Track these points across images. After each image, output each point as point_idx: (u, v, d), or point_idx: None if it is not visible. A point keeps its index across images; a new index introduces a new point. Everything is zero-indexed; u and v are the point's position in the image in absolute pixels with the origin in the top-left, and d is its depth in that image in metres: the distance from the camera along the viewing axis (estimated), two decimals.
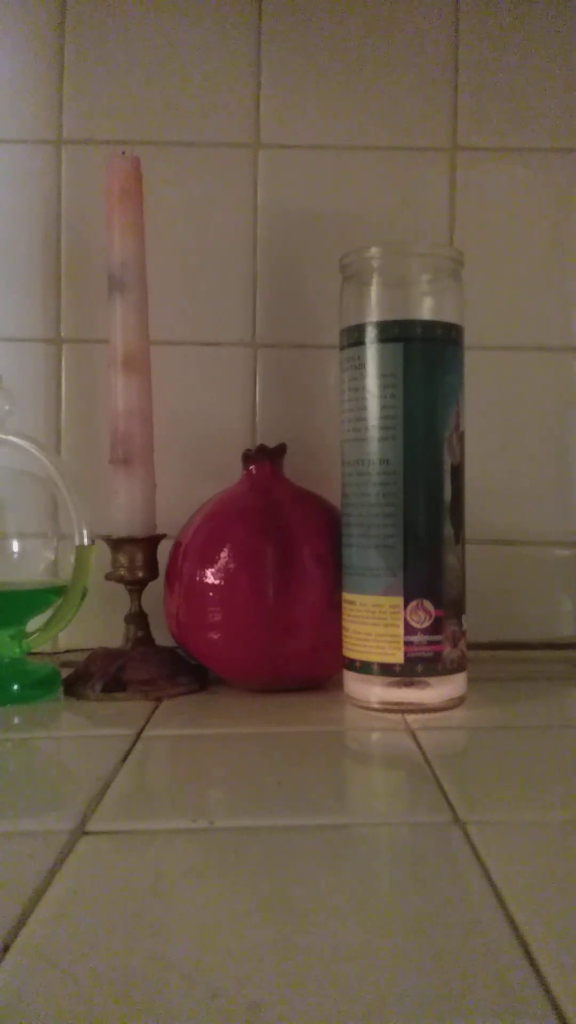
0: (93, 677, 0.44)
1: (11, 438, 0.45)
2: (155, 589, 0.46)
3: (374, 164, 0.53)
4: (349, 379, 0.41)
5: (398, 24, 0.52)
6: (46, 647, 0.48)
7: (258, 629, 0.42)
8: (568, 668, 0.50)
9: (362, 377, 0.40)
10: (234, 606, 0.43)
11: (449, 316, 0.41)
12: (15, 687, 0.42)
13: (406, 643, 0.39)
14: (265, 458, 0.46)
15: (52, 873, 0.24)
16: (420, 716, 0.39)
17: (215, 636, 0.43)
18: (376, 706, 0.40)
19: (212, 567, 0.43)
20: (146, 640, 0.47)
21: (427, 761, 0.33)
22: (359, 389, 0.40)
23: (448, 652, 0.40)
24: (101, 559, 0.46)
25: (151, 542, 0.46)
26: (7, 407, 0.45)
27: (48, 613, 0.45)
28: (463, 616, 0.41)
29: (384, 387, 0.40)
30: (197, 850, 0.26)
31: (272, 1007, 0.18)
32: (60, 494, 0.45)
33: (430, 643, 0.39)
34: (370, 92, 0.53)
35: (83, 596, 0.45)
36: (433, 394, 0.40)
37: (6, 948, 0.20)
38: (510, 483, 0.53)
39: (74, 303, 0.52)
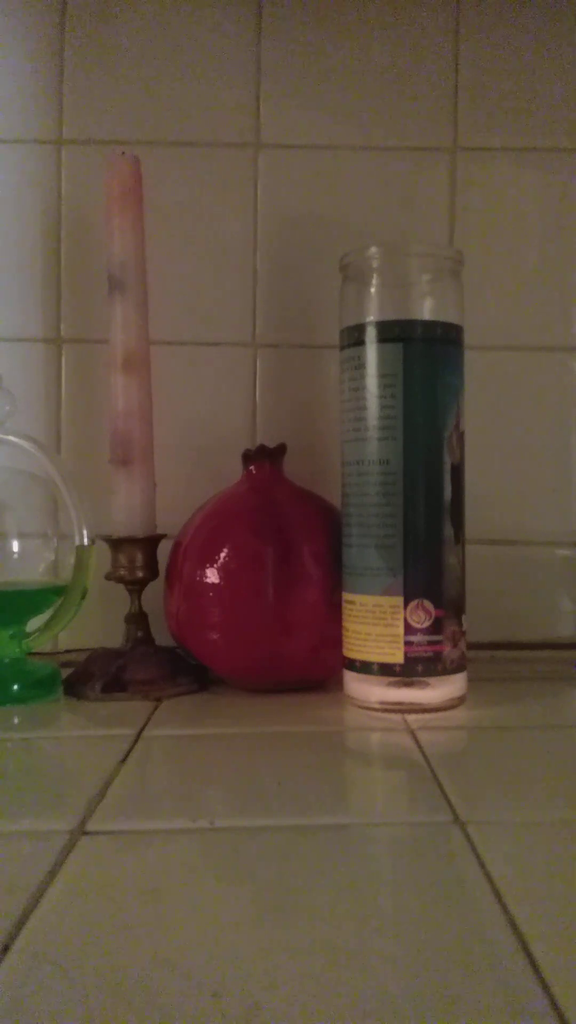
0: (93, 677, 0.44)
1: (11, 438, 0.45)
2: (155, 589, 0.46)
3: (374, 164, 0.53)
4: (349, 379, 0.41)
5: (398, 24, 0.52)
6: (46, 647, 0.48)
7: (258, 629, 0.42)
8: (568, 668, 0.50)
9: (362, 377, 0.40)
10: (234, 606, 0.43)
11: (449, 316, 0.41)
12: (15, 687, 0.42)
13: (406, 643, 0.39)
14: (265, 458, 0.46)
15: (52, 873, 0.24)
16: (420, 716, 0.39)
17: (215, 636, 0.43)
18: (376, 706, 0.40)
19: (212, 567, 0.43)
20: (146, 640, 0.47)
21: (427, 761, 0.33)
22: (359, 389, 0.40)
23: (448, 652, 0.40)
24: (101, 559, 0.46)
25: (151, 542, 0.46)
26: (7, 407, 0.45)
27: (48, 613, 0.45)
28: (463, 616, 0.41)
29: (384, 387, 0.40)
30: (197, 850, 0.26)
31: (272, 1007, 0.18)
32: (60, 494, 0.45)
33: (430, 643, 0.39)
34: (370, 92, 0.53)
35: (83, 596, 0.45)
36: (433, 394, 0.40)
37: (6, 948, 0.20)
38: (510, 483, 0.53)
39: (74, 303, 0.52)
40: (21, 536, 0.45)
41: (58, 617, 0.45)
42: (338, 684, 0.43)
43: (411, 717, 0.39)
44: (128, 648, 0.46)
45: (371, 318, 0.40)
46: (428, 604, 0.39)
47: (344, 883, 0.23)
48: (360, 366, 0.40)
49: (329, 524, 0.44)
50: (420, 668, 0.39)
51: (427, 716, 0.39)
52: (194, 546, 0.44)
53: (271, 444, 0.46)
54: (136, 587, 0.46)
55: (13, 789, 0.32)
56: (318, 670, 0.44)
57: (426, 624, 0.39)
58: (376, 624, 0.40)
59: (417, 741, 0.36)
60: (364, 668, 0.40)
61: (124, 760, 0.34)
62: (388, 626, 0.40)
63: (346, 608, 0.41)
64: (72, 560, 0.45)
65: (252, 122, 0.53)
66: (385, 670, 0.40)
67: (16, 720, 0.40)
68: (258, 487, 0.45)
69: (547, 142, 0.53)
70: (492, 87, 0.53)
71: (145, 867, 0.25)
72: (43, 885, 0.23)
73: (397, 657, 0.39)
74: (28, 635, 0.45)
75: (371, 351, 0.40)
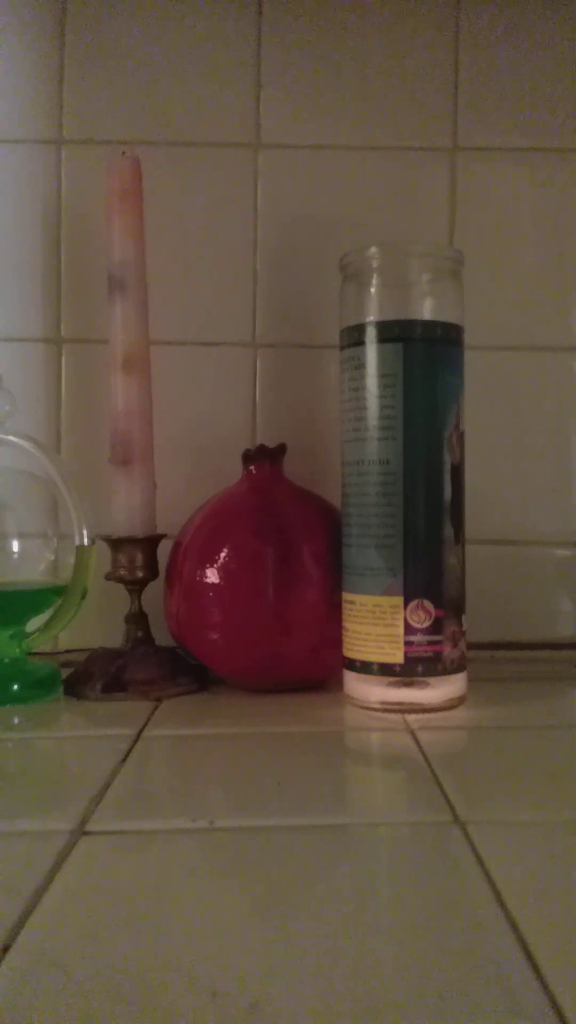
0: (93, 677, 0.44)
1: (11, 438, 0.45)
2: (155, 589, 0.46)
3: (374, 164, 0.53)
4: (349, 379, 0.41)
5: (398, 24, 0.52)
6: (46, 647, 0.48)
7: (258, 629, 0.42)
8: (568, 668, 0.50)
9: (362, 377, 0.40)
10: (234, 606, 0.43)
11: (449, 316, 0.41)
12: (15, 687, 0.42)
13: (406, 643, 0.39)
14: (265, 458, 0.46)
15: (52, 873, 0.24)
16: (420, 716, 0.39)
17: (215, 636, 0.43)
18: (376, 706, 0.40)
19: (212, 567, 0.43)
20: (146, 640, 0.47)
21: (427, 761, 0.33)
22: (359, 389, 0.40)
23: (448, 652, 0.40)
24: (101, 559, 0.46)
25: (151, 542, 0.46)
26: (7, 407, 0.45)
27: (48, 613, 0.45)
28: (463, 616, 0.41)
29: (384, 387, 0.40)
30: (197, 850, 0.26)
31: (272, 1007, 0.18)
32: (60, 494, 0.45)
33: (430, 643, 0.39)
34: (370, 92, 0.53)
35: (83, 596, 0.45)
36: (433, 394, 0.40)
37: (6, 948, 0.20)
38: (510, 483, 0.53)
39: (74, 303, 0.52)
40: (21, 536, 0.45)
41: (58, 617, 0.45)
42: (338, 684, 0.43)
43: (411, 717, 0.39)
44: (128, 648, 0.46)
45: (371, 318, 0.40)
46: (428, 604, 0.39)
47: (344, 883, 0.23)
48: (360, 366, 0.40)
49: (329, 524, 0.44)
50: (420, 668, 0.39)
51: (427, 716, 0.39)
52: (194, 546, 0.44)
53: (271, 444, 0.46)
54: (136, 587, 0.46)
55: (13, 789, 0.32)
56: (318, 670, 0.44)
57: (426, 624, 0.39)
58: (376, 624, 0.40)
59: (417, 741, 0.36)
60: (364, 668, 0.40)
61: (124, 760, 0.34)
62: (388, 626, 0.40)
63: (346, 608, 0.41)
64: (72, 560, 0.45)
65: (252, 122, 0.53)
66: (385, 670, 0.40)
67: (16, 720, 0.40)
68: (258, 487, 0.45)
69: (547, 142, 0.53)
70: (492, 87, 0.53)
71: (145, 867, 0.25)
72: (43, 885, 0.23)
73: (397, 657, 0.39)
74: (28, 635, 0.45)
75: (371, 351, 0.40)
